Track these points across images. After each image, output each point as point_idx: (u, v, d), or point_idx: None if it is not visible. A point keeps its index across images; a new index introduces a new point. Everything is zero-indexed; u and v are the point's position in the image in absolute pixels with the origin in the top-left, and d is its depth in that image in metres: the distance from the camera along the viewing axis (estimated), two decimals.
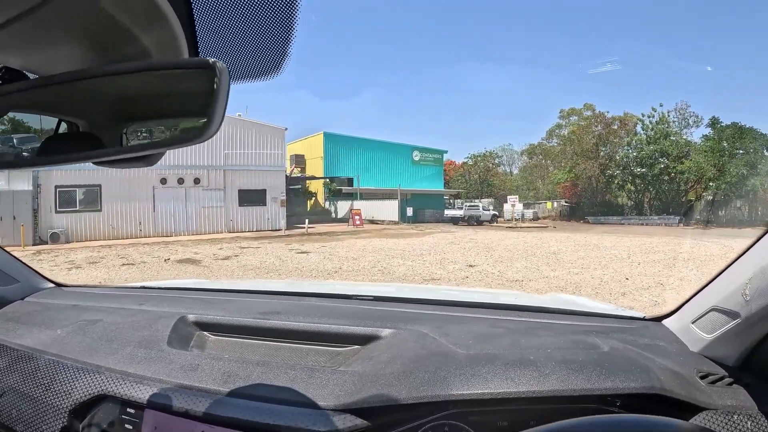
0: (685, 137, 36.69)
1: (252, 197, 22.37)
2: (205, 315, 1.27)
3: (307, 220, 20.66)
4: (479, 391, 0.86)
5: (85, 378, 1.04)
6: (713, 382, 0.88)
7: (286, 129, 23.34)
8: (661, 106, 37.56)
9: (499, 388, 0.86)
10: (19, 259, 1.53)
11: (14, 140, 0.56)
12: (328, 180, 31.92)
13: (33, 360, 1.13)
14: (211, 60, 0.43)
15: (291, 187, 34.64)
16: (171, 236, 19.72)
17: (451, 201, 39.11)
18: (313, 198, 33.28)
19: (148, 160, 0.55)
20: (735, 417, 0.80)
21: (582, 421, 0.67)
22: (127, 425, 0.96)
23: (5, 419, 1.07)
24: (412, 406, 0.86)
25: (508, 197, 31.33)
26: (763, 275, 0.75)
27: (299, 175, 30.27)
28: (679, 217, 32.95)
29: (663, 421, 0.66)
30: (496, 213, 33.21)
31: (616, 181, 38.44)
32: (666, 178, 35.79)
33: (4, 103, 0.52)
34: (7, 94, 0.51)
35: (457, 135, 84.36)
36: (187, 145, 0.48)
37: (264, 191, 22.61)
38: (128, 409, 0.97)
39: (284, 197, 23.04)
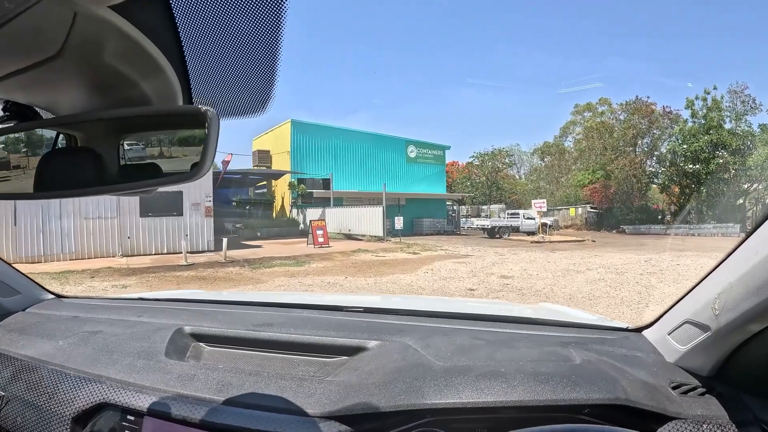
0: (743, 126, 29.42)
1: (160, 204, 14.92)
2: (201, 327, 1.31)
3: (225, 240, 13.02)
4: (452, 401, 0.91)
5: (87, 387, 1.08)
6: (686, 392, 0.91)
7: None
8: (715, 89, 30.37)
9: (469, 398, 0.91)
10: (19, 271, 1.55)
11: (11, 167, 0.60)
12: (295, 182, 24.31)
13: (37, 370, 1.17)
14: (203, 108, 0.48)
15: (257, 191, 27.61)
16: (39, 262, 12.76)
17: (454, 208, 31.62)
18: (282, 203, 25.64)
19: (145, 192, 0.60)
20: (704, 426, 0.83)
21: (542, 429, 0.73)
22: None
23: (10, 426, 1.11)
24: (392, 414, 0.91)
25: (534, 202, 23.85)
26: (731, 291, 0.78)
27: (234, 174, 22.29)
28: (739, 225, 25.92)
29: (606, 430, 0.70)
30: (549, 221, 26.61)
31: (661, 181, 30.95)
32: (726, 176, 28.37)
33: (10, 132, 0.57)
34: (19, 131, 0.57)
35: (458, 133, 77.20)
36: (179, 183, 0.53)
37: (179, 195, 15.16)
38: (128, 417, 1.01)
39: (210, 203, 15.52)
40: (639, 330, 1.20)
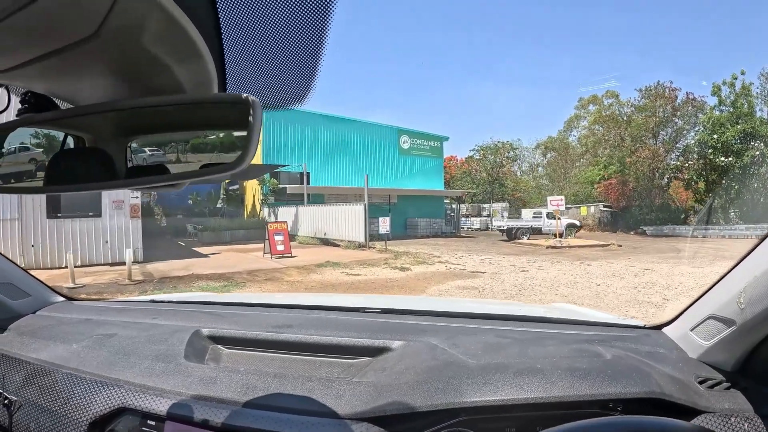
0: None
1: (72, 202, 11.45)
2: (219, 329, 1.28)
3: (129, 252, 9.09)
4: (491, 398, 0.89)
5: (105, 391, 1.06)
6: (711, 387, 0.92)
7: None
8: (743, 73, 26.86)
9: (509, 395, 0.89)
10: (29, 273, 1.54)
11: (24, 161, 0.57)
12: (267, 177, 20.71)
13: (50, 374, 1.14)
14: (244, 95, 0.45)
15: (230, 189, 24.04)
16: None
17: (453, 207, 28.13)
18: (254, 201, 22.05)
19: (177, 185, 0.59)
20: (732, 420, 0.84)
21: (591, 422, 0.71)
22: None
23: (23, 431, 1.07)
24: (426, 414, 0.89)
25: (550, 199, 20.16)
26: (757, 284, 0.78)
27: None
28: None
29: (664, 422, 0.69)
30: (577, 222, 23.66)
31: (688, 176, 27.49)
32: (762, 170, 24.92)
33: (23, 125, 0.53)
34: (37, 122, 0.53)
35: (456, 127, 73.64)
36: (223, 174, 0.48)
37: (98, 191, 11.60)
38: (149, 422, 0.98)
39: (137, 200, 11.99)
40: (659, 327, 1.19)
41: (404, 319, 1.37)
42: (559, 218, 20.72)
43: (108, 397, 1.04)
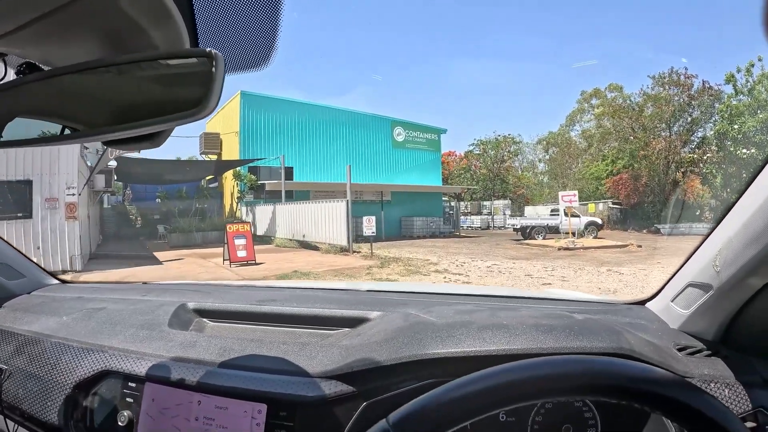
0: None
1: None
2: (204, 303, 1.31)
3: None
4: (453, 350, 0.90)
5: (90, 357, 1.08)
6: (691, 354, 0.90)
7: None
8: (759, 60, 24.98)
9: (471, 347, 0.89)
10: (25, 255, 1.57)
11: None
12: (240, 171, 18.78)
13: (40, 343, 1.18)
14: (208, 49, 0.48)
15: (211, 185, 22.13)
16: None
17: (452, 204, 26.29)
18: (232, 198, 20.13)
19: (155, 140, 0.59)
20: (712, 385, 0.82)
21: (555, 358, 0.67)
22: (128, 398, 1.00)
23: (12, 399, 1.12)
24: (395, 372, 0.90)
25: (561, 194, 18.09)
26: (731, 245, 0.78)
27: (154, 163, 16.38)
28: None
29: (642, 367, 0.63)
30: (598, 221, 21.81)
31: (706, 169, 25.66)
32: None
33: (21, 96, 0.56)
34: (23, 84, 0.55)
35: (455, 120, 71.59)
36: (184, 120, 0.50)
37: (27, 186, 9.79)
38: (129, 383, 1.01)
39: (74, 197, 10.07)
40: (642, 303, 1.18)
41: (388, 296, 1.40)
42: (578, 216, 18.89)
43: (92, 361, 1.07)
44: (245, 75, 0.64)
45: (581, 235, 18.98)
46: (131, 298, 1.40)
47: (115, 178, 17.30)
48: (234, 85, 22.18)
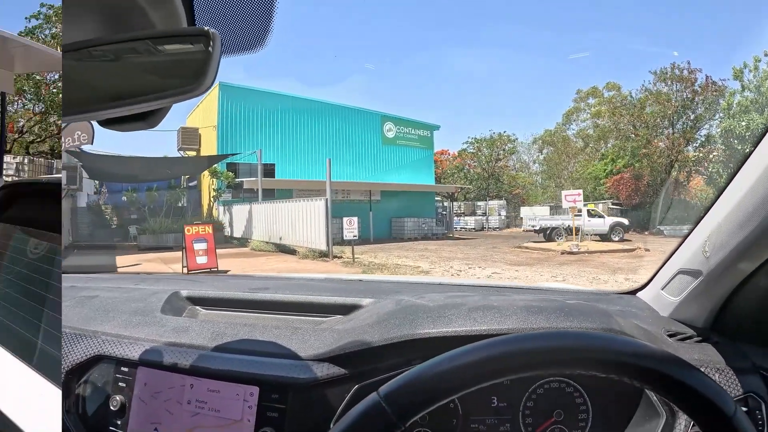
0: None
1: None
2: (197, 291, 1.32)
3: None
4: (443, 330, 0.90)
5: (82, 342, 1.08)
6: (682, 341, 0.91)
7: None
8: (766, 55, 24.12)
9: (462, 327, 0.90)
10: None
11: None
12: (217, 168, 17.39)
13: None
14: (206, 28, 0.50)
15: (190, 184, 20.74)
16: None
17: (445, 205, 25.13)
18: (210, 197, 18.73)
19: (149, 120, 0.59)
20: (702, 370, 0.82)
21: (548, 332, 0.71)
22: (120, 383, 1.00)
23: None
24: (386, 353, 0.90)
25: (565, 194, 16.92)
26: (720, 231, 0.78)
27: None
28: None
29: (636, 342, 0.63)
30: (625, 221, 20.43)
31: (712, 168, 24.79)
32: None
33: None
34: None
35: (448, 116, 70.48)
36: (183, 97, 0.51)
37: None
38: (122, 368, 1.02)
39: None
40: (633, 292, 1.19)
41: (382, 285, 1.42)
42: (603, 216, 17.61)
43: (85, 347, 1.07)
44: (238, 59, 0.62)
45: (608, 238, 17.68)
46: (124, 286, 1.44)
47: (86, 175, 16.02)
48: (227, 74, 20.81)
